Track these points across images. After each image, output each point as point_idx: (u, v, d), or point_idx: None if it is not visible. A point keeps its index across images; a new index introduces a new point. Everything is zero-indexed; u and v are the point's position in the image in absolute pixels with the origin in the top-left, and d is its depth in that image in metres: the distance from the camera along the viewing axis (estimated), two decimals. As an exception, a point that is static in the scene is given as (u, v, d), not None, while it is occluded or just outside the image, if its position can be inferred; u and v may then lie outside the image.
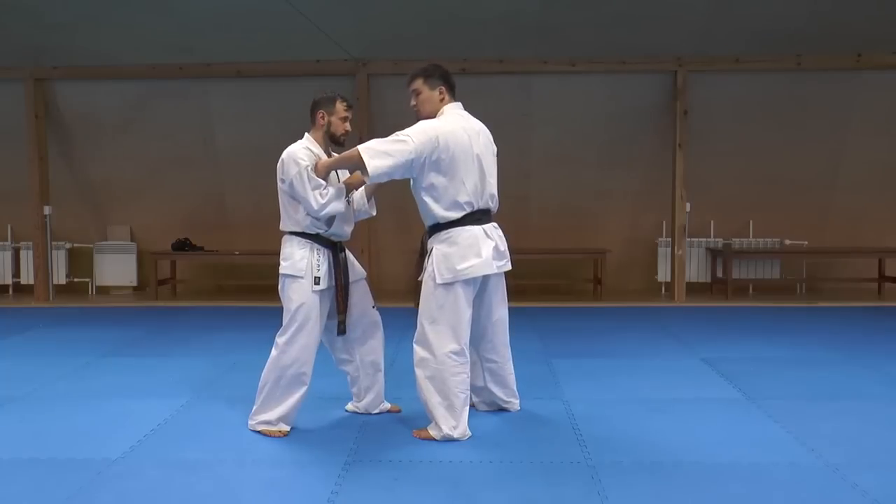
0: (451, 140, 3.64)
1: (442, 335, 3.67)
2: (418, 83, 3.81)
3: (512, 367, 4.09)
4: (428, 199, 3.70)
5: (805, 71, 8.07)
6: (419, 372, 3.73)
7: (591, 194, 8.77)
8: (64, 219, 8.96)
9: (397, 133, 3.64)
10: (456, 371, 3.69)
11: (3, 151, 8.72)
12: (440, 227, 3.72)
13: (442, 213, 3.69)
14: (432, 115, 3.78)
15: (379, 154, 3.55)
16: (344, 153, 3.76)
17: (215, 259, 9.08)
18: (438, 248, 3.70)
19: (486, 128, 3.87)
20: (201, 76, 8.28)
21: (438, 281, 3.66)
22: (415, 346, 3.77)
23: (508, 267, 3.88)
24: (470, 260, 3.68)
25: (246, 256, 8.75)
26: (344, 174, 3.89)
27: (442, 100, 3.80)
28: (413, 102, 3.84)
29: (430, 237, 3.79)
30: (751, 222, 9.04)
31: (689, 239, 8.61)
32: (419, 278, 3.81)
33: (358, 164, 3.61)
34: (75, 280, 9.26)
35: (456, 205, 3.68)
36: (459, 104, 3.84)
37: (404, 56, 7.76)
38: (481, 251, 3.71)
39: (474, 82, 7.54)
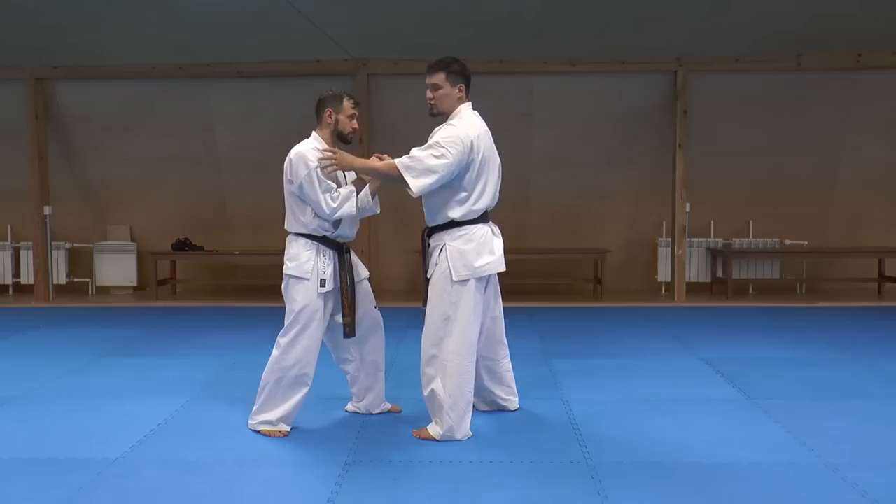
0: (481, 144, 3.68)
1: (455, 333, 3.66)
2: (440, 77, 3.73)
3: (510, 364, 4.10)
4: (451, 199, 3.68)
5: (805, 71, 8.06)
6: (428, 370, 3.71)
7: (591, 194, 8.77)
8: (64, 219, 8.95)
9: (434, 145, 3.60)
10: (465, 369, 3.69)
11: (3, 151, 8.72)
12: (455, 224, 3.70)
13: (463, 211, 3.69)
14: (448, 112, 3.74)
15: (422, 172, 3.56)
16: (377, 164, 3.70)
17: (215, 259, 9.08)
18: (453, 245, 3.68)
19: None
20: (201, 76, 8.27)
21: (455, 278, 3.65)
22: (424, 343, 3.73)
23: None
24: (485, 257, 3.71)
25: (246, 256, 8.75)
26: (351, 175, 3.88)
27: (460, 98, 3.76)
28: (430, 96, 3.75)
29: (437, 234, 3.76)
30: (751, 222, 9.03)
31: (689, 239, 8.60)
32: (428, 275, 3.78)
33: (395, 179, 3.61)
34: (75, 280, 9.25)
35: (477, 204, 3.70)
36: (470, 103, 3.82)
37: (404, 56, 7.77)
38: (494, 249, 3.75)
39: (474, 82, 7.48)
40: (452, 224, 3.71)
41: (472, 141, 3.63)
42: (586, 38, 7.67)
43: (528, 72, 8.11)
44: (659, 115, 8.34)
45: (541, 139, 8.45)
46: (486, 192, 3.73)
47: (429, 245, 3.82)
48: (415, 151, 3.63)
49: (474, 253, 3.68)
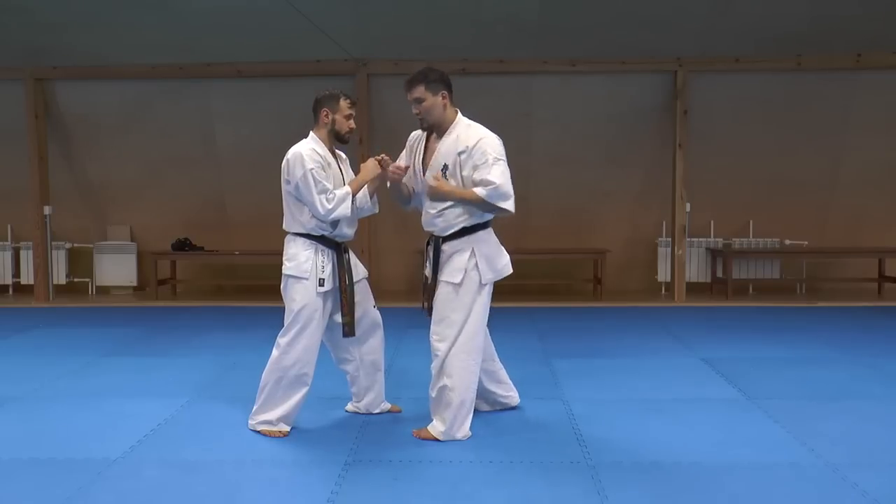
0: None
1: (468, 333, 3.66)
2: (420, 90, 3.68)
3: (500, 362, 4.10)
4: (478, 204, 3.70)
5: (805, 71, 8.07)
6: (439, 369, 3.67)
7: (591, 194, 8.77)
8: (64, 219, 8.95)
9: (496, 162, 3.63)
10: (473, 370, 3.72)
11: (3, 151, 8.72)
12: (478, 227, 3.72)
13: (489, 215, 3.74)
14: (440, 121, 3.73)
15: (510, 194, 3.66)
16: (462, 191, 3.64)
17: (215, 259, 9.08)
18: (478, 249, 3.70)
19: None
20: (201, 76, 8.28)
21: (483, 281, 3.68)
22: (437, 343, 3.67)
23: None
24: (503, 258, 3.81)
25: (246, 256, 8.75)
26: (350, 176, 3.87)
27: (445, 104, 3.72)
28: (416, 111, 3.72)
29: (455, 240, 3.69)
30: (751, 222, 9.04)
31: (689, 239, 8.60)
32: (441, 278, 3.71)
33: (484, 207, 3.65)
34: (75, 280, 9.25)
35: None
36: (458, 110, 3.80)
37: (404, 56, 7.76)
38: (504, 250, 3.84)
39: (474, 82, 7.53)
40: (475, 228, 3.72)
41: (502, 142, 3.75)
42: (586, 38, 7.67)
43: (528, 72, 8.11)
44: (659, 115, 8.34)
45: (541, 139, 8.45)
46: None
47: (442, 251, 3.72)
48: (493, 178, 3.59)
49: (496, 255, 3.76)
